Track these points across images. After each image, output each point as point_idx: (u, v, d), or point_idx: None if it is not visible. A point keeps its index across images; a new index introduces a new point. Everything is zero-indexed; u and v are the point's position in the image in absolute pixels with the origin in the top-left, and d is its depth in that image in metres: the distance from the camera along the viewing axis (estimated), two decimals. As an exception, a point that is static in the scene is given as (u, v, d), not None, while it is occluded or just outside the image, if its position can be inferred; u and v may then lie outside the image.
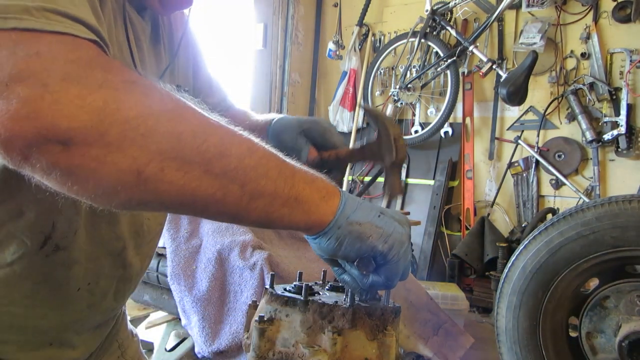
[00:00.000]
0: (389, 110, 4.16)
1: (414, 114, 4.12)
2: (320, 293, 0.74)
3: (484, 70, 3.55)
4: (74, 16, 0.51)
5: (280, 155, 0.60)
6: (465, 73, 3.91)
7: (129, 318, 1.06)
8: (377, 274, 0.65)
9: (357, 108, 4.29)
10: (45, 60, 0.46)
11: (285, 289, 0.72)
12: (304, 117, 0.97)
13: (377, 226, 0.63)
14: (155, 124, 0.49)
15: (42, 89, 0.45)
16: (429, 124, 3.88)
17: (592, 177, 3.44)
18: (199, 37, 1.01)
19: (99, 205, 0.51)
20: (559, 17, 3.57)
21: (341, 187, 0.90)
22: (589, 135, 3.36)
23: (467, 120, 3.94)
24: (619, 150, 3.32)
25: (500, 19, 3.74)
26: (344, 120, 4.37)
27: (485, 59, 3.57)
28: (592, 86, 3.42)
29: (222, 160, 0.53)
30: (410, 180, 4.10)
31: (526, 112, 3.73)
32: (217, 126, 0.55)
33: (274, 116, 0.99)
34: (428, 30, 3.82)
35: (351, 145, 4.19)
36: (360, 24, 4.31)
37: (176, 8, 0.83)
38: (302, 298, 0.68)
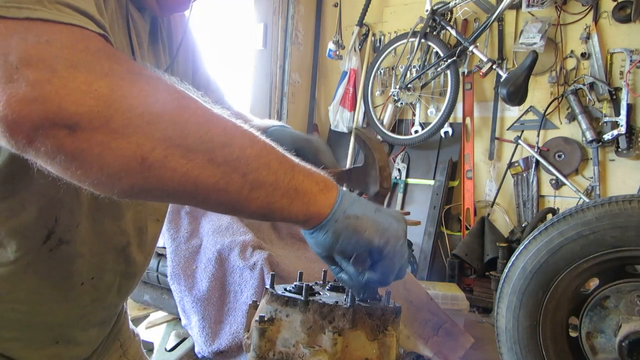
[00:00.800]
0: (389, 110, 4.16)
1: (414, 114, 4.12)
2: (321, 293, 0.74)
3: (484, 70, 3.55)
4: (83, 10, 0.52)
5: (280, 148, 0.61)
6: (465, 73, 3.91)
7: (130, 318, 1.06)
8: (372, 271, 0.65)
9: (357, 108, 4.29)
10: (55, 48, 0.47)
11: (285, 289, 0.73)
12: (299, 134, 0.97)
13: (373, 220, 0.63)
14: (160, 112, 0.50)
15: (51, 74, 0.46)
16: (429, 124, 3.88)
17: (592, 177, 3.44)
18: (198, 36, 1.01)
19: (101, 192, 0.52)
20: (559, 17, 3.57)
21: None
22: (589, 135, 3.36)
23: (467, 120, 3.94)
24: (619, 150, 3.32)
25: (500, 19, 3.74)
26: (344, 120, 4.37)
27: (485, 59, 3.57)
28: (592, 86, 3.42)
29: (225, 149, 0.54)
30: (410, 180, 4.10)
31: (526, 112, 3.73)
32: (220, 117, 0.56)
33: (271, 124, 0.99)
34: (428, 30, 3.82)
35: (350, 152, 4.19)
36: (360, 24, 4.31)
37: (174, 10, 0.83)
38: (302, 298, 0.68)
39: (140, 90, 0.50)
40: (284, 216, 0.60)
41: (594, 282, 1.63)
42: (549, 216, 2.77)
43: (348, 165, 4.12)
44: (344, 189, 0.67)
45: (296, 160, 0.62)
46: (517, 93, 3.31)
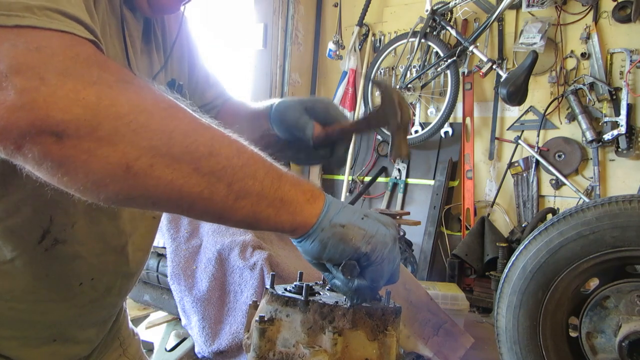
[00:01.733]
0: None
1: (414, 114, 4.12)
2: (321, 293, 0.74)
3: (484, 70, 3.55)
4: (73, 16, 0.52)
5: (268, 158, 0.61)
6: (465, 73, 3.91)
7: (129, 317, 1.06)
8: (362, 277, 0.65)
9: (357, 108, 4.29)
10: (44, 55, 0.48)
11: (285, 289, 0.73)
12: (306, 97, 0.96)
13: (360, 228, 0.64)
14: (147, 121, 0.50)
15: (39, 82, 0.46)
16: (429, 124, 3.88)
17: (592, 177, 3.44)
18: (194, 33, 1.01)
19: (88, 198, 0.52)
20: (559, 17, 3.57)
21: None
22: (589, 135, 3.36)
23: (467, 120, 3.94)
24: (619, 150, 3.32)
25: (500, 19, 3.74)
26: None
27: (485, 59, 3.57)
28: (592, 86, 3.42)
29: (211, 159, 0.54)
30: (410, 180, 4.10)
31: (526, 112, 3.73)
32: (207, 127, 0.57)
33: (274, 100, 0.98)
34: (428, 30, 3.82)
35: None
36: (360, 24, 4.31)
37: (164, 12, 0.83)
38: (302, 298, 0.68)
39: (127, 99, 0.50)
40: (270, 226, 0.61)
41: (594, 282, 1.63)
42: (549, 216, 2.77)
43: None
44: (331, 196, 0.67)
45: (284, 169, 0.62)
46: (517, 93, 3.31)
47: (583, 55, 3.50)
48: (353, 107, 4.33)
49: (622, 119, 3.25)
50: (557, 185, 3.58)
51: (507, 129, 3.82)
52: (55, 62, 0.48)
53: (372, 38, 4.42)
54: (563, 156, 3.54)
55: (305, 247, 0.64)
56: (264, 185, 0.58)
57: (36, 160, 0.48)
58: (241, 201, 0.56)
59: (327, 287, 0.78)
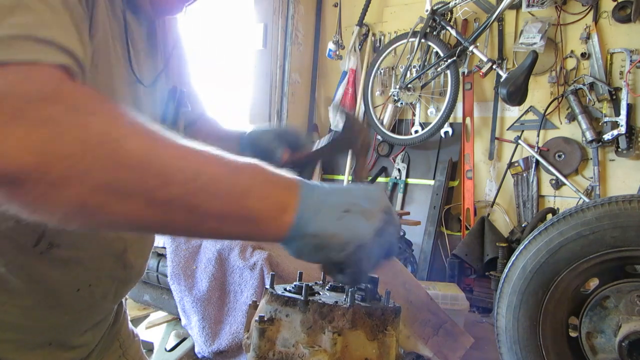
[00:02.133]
0: (389, 110, 4.16)
1: (414, 114, 4.12)
2: (321, 293, 0.74)
3: (484, 70, 3.55)
4: (42, 38, 0.50)
5: (231, 175, 0.58)
6: (465, 73, 3.91)
7: (129, 318, 1.06)
8: (342, 275, 0.64)
9: (357, 108, 4.29)
10: None
11: (285, 289, 0.73)
12: (278, 127, 1.05)
13: (332, 235, 0.60)
14: (94, 160, 0.49)
15: None
16: (429, 124, 3.88)
17: (592, 177, 3.44)
18: (187, 48, 1.02)
19: (65, 228, 0.53)
20: (559, 17, 3.57)
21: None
22: (589, 135, 3.36)
23: (467, 120, 3.94)
24: (619, 150, 3.32)
25: (500, 19, 3.74)
26: (344, 120, 4.36)
27: (485, 59, 3.57)
28: (592, 86, 3.42)
29: (164, 189, 0.52)
30: (410, 180, 4.10)
31: (526, 112, 3.73)
32: (161, 151, 0.53)
33: (245, 129, 1.03)
34: (428, 30, 3.82)
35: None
36: (360, 24, 4.31)
37: (167, 13, 0.83)
38: (302, 298, 0.68)
39: (75, 137, 0.48)
40: (242, 239, 0.61)
41: (594, 282, 1.63)
42: (549, 216, 2.77)
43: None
44: (309, 198, 0.64)
45: (251, 182, 0.59)
46: (517, 93, 3.31)
47: (583, 55, 3.50)
48: (353, 107, 4.33)
49: (622, 119, 3.25)
50: (557, 185, 3.59)
51: (507, 129, 3.82)
52: (7, 106, 0.46)
53: (372, 38, 4.42)
54: (563, 156, 3.54)
55: (287, 251, 0.64)
56: (230, 206, 0.56)
57: (4, 202, 0.49)
58: (205, 224, 0.56)
59: (327, 287, 0.78)
